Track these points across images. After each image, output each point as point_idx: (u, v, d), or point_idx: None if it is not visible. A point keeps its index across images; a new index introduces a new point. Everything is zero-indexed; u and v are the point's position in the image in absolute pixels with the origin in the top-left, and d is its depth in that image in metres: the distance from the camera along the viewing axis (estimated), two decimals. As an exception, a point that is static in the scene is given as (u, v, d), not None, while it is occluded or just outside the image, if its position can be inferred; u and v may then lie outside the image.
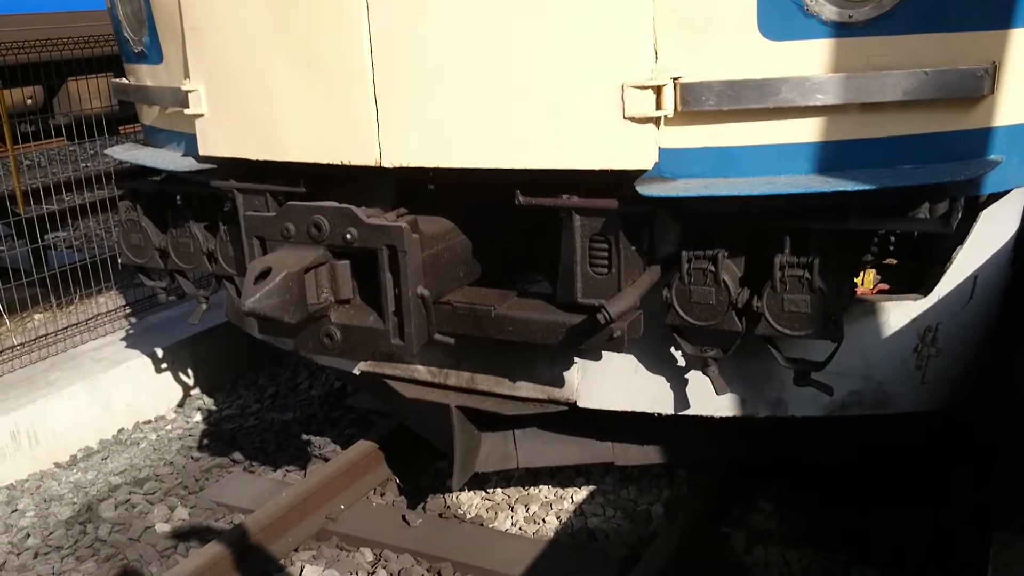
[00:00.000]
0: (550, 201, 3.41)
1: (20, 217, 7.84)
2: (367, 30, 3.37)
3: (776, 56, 2.99)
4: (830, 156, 3.06)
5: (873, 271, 3.93)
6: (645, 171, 3.16)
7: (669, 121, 3.11)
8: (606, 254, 3.40)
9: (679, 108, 3.07)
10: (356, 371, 4.47)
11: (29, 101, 15.49)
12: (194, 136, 4.06)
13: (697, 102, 3.05)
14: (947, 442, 4.57)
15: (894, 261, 3.97)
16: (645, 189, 3.12)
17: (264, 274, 3.31)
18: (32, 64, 12.84)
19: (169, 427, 6.13)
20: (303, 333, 3.57)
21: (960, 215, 3.11)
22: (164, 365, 6.36)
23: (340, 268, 3.50)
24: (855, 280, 3.67)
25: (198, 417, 6.24)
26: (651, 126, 3.10)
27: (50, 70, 13.69)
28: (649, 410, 3.90)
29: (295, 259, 3.38)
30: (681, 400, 3.83)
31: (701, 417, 3.85)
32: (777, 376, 3.67)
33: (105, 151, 5.10)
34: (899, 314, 3.58)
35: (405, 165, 3.53)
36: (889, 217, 3.18)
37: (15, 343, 6.42)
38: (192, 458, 5.67)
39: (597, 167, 3.20)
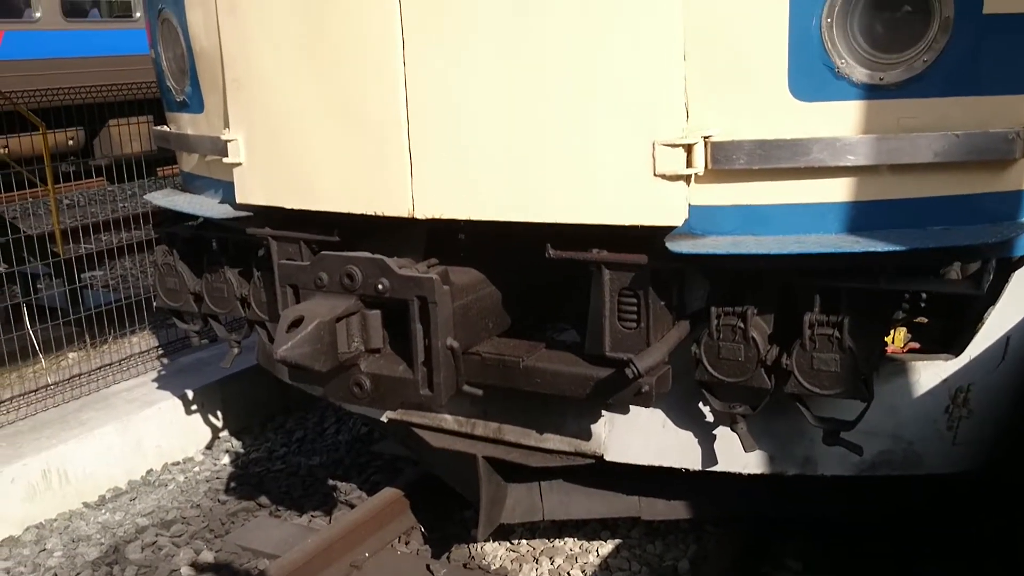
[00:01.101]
0: (580, 255, 3.43)
1: (60, 258, 7.99)
2: (403, 85, 3.45)
3: (807, 116, 3.02)
4: (860, 216, 3.07)
5: (904, 329, 3.90)
6: (675, 227, 3.18)
7: (699, 178, 3.13)
8: (635, 308, 3.41)
9: (709, 166, 3.10)
10: (384, 418, 4.49)
11: (71, 142, 15.87)
12: (231, 184, 4.15)
13: (728, 160, 3.08)
14: (978, 500, 4.49)
15: (925, 320, 3.95)
16: (675, 245, 3.13)
17: (296, 323, 3.36)
18: (75, 106, 13.18)
19: (197, 469, 6.17)
20: (333, 381, 3.60)
21: (992, 276, 3.10)
22: (194, 407, 6.42)
23: (371, 318, 3.54)
24: (885, 339, 3.64)
25: (226, 459, 6.28)
26: (681, 183, 3.13)
27: (92, 113, 14.04)
28: (676, 465, 3.88)
29: (327, 308, 3.43)
30: (709, 456, 3.81)
31: (729, 473, 3.82)
32: (806, 434, 3.64)
33: (144, 196, 5.21)
34: (930, 374, 3.55)
35: (437, 217, 3.58)
36: (920, 277, 3.17)
37: (49, 382, 6.51)
38: (219, 501, 5.69)
39: (627, 223, 3.22)
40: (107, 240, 11.03)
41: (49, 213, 9.96)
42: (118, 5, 18.77)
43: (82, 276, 8.78)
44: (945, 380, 3.54)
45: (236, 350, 5.03)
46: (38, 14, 16.73)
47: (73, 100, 11.56)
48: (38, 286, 8.59)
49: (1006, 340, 3.48)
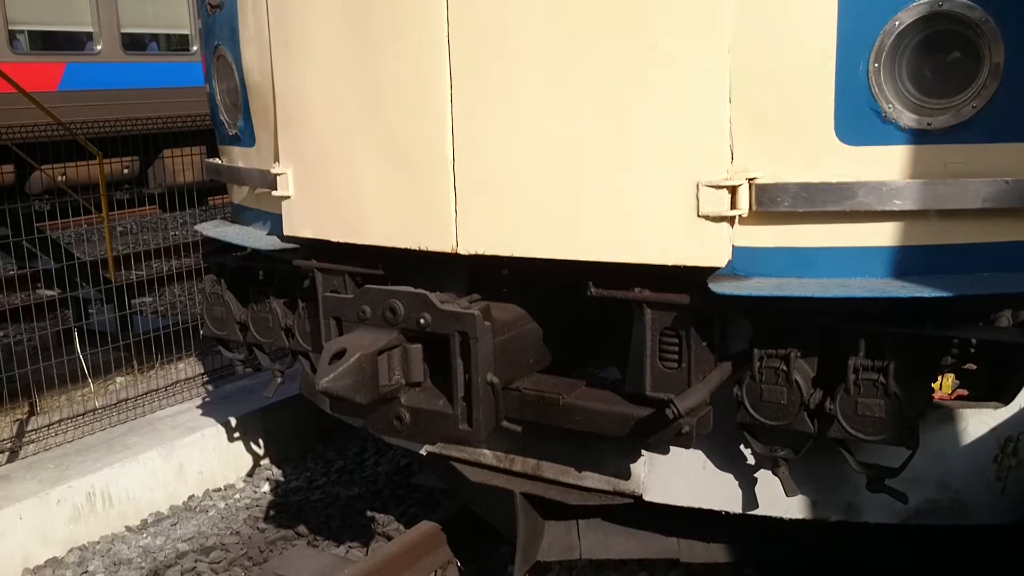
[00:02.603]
0: (622, 294, 3.43)
1: (111, 285, 8.17)
2: (450, 124, 3.50)
3: (853, 160, 3.00)
4: (907, 260, 3.04)
5: (952, 375, 3.84)
6: (718, 268, 3.17)
7: (743, 220, 3.12)
8: (676, 348, 3.40)
9: (754, 208, 3.09)
10: (423, 451, 4.51)
11: (126, 171, 16.28)
12: (279, 216, 4.22)
13: (772, 203, 3.07)
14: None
15: (974, 366, 3.88)
16: (717, 287, 3.12)
17: (339, 355, 3.39)
18: (132, 136, 13.50)
19: (238, 496, 6.22)
20: (374, 413, 3.63)
21: (1043, 325, 3.05)
22: (236, 434, 6.49)
23: (412, 351, 3.56)
24: (932, 385, 3.58)
25: (266, 487, 6.33)
26: (725, 224, 3.12)
27: (147, 142, 14.39)
28: (717, 508, 3.84)
29: (369, 341, 3.46)
30: (750, 499, 3.76)
31: (770, 518, 3.77)
32: (850, 480, 3.58)
33: (195, 227, 5.31)
34: (978, 422, 3.48)
35: (480, 253, 3.61)
36: (968, 324, 3.12)
37: (97, 406, 6.63)
38: (258, 528, 5.73)
39: (670, 263, 3.22)
40: (157, 267, 11.25)
41: (103, 240, 10.19)
42: (176, 39, 19.29)
43: (132, 302, 8.96)
44: (994, 429, 3.48)
45: (279, 380, 5.09)
46: (99, 47, 17.26)
47: (130, 131, 11.86)
48: (89, 311, 8.78)
49: (1058, 390, 3.41)
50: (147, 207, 16.06)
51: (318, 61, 3.89)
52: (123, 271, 10.45)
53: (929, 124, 2.93)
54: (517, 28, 3.32)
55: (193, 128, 11.93)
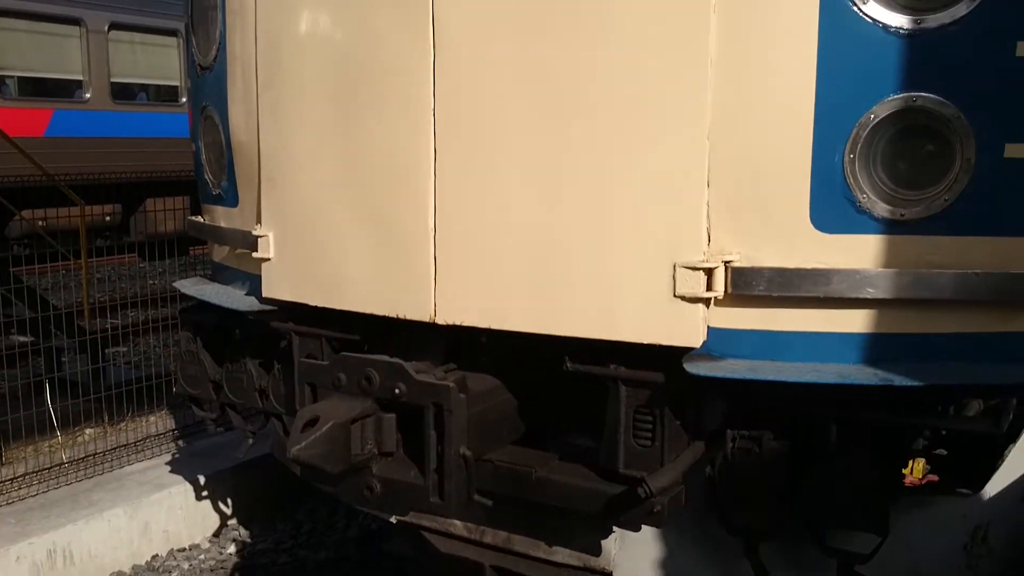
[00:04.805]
0: (598, 369, 3.44)
1: (86, 337, 8.09)
2: (432, 196, 3.53)
3: (827, 247, 3.04)
4: (879, 348, 3.07)
5: (923, 461, 3.85)
6: (693, 348, 3.19)
7: (719, 302, 3.15)
8: (650, 426, 3.39)
9: (729, 290, 3.12)
10: (393, 519, 4.45)
11: (108, 219, 16.25)
12: (259, 277, 4.22)
13: (747, 286, 3.10)
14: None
15: (944, 452, 3.90)
16: (692, 367, 3.14)
17: (312, 422, 3.37)
18: (116, 184, 13.50)
19: (202, 556, 6.11)
20: (345, 482, 3.59)
21: (1012, 415, 3.07)
22: (204, 493, 6.40)
23: (386, 421, 3.55)
24: (903, 471, 3.59)
25: (232, 548, 6.22)
26: (700, 306, 3.14)
27: (131, 191, 14.38)
28: (687, 587, 3.81)
29: (343, 409, 3.45)
30: (721, 580, 3.73)
31: (741, 599, 3.74)
32: (825, 563, 3.56)
33: (174, 284, 5.30)
34: (949, 509, 3.49)
35: (457, 323, 3.61)
36: (937, 413, 3.15)
37: (64, 459, 6.52)
38: (222, 592, 5.63)
39: (645, 341, 3.24)
40: (134, 317, 11.16)
41: (80, 286, 10.12)
42: (165, 90, 19.43)
43: (106, 352, 8.86)
44: (964, 516, 3.48)
45: (251, 441, 5.04)
46: (88, 95, 17.35)
47: (113, 179, 11.87)
48: (62, 359, 8.68)
49: (1027, 479, 3.43)
50: (127, 255, 15.98)
51: (304, 126, 3.93)
52: (99, 320, 10.34)
53: (902, 215, 2.98)
54: (502, 107, 3.37)
55: (176, 179, 11.96)
